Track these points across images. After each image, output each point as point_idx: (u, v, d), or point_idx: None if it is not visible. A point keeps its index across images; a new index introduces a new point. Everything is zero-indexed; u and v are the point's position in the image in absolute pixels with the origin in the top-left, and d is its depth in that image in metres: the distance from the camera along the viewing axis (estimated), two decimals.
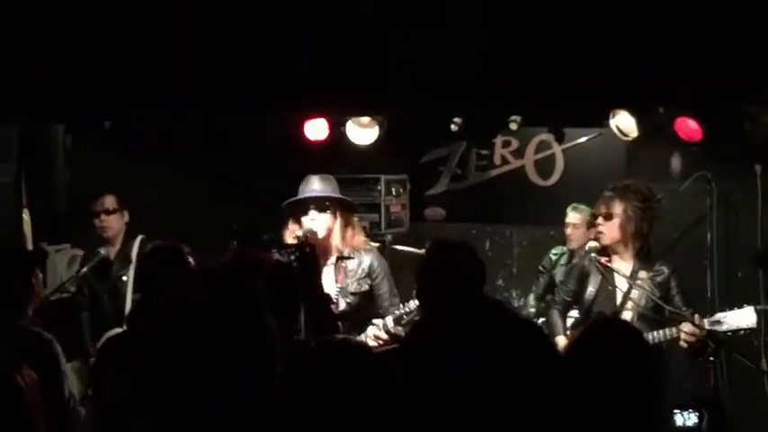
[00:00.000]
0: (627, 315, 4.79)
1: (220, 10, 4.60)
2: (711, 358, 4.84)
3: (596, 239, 4.99)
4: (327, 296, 3.77)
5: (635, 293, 4.84)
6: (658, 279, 4.86)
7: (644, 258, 4.90)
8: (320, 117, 6.18)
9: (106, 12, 4.60)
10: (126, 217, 5.79)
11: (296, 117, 6.12)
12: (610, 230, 4.88)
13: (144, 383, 3.04)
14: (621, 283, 4.90)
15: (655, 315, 4.81)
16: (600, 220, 4.92)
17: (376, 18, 4.21)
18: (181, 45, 4.72)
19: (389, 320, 4.45)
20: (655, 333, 4.64)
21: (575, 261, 5.40)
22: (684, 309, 4.81)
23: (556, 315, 5.18)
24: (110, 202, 5.74)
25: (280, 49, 4.63)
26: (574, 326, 5.14)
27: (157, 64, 4.77)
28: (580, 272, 5.09)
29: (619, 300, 4.89)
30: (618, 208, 4.87)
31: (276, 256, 3.50)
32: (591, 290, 4.96)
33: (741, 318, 4.64)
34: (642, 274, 4.85)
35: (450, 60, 3.84)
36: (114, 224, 5.73)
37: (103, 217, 5.70)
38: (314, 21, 4.30)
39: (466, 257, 3.46)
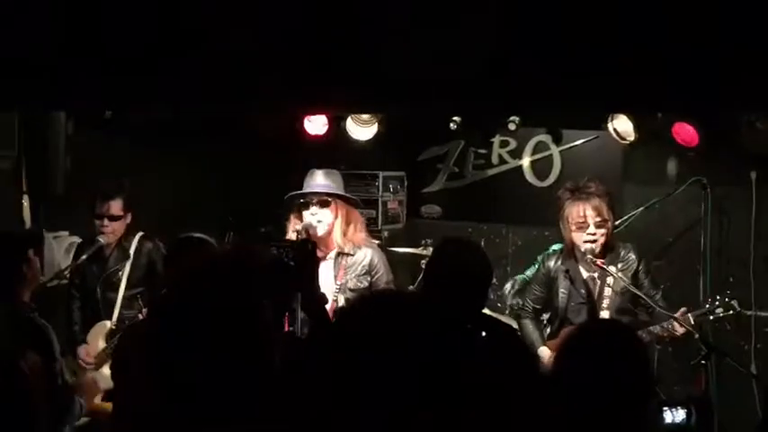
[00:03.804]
0: (605, 314, 4.81)
1: (225, 4, 4.62)
2: (703, 361, 4.88)
3: (586, 246, 4.82)
4: (323, 296, 3.70)
5: (608, 291, 4.83)
6: (629, 269, 4.85)
7: (611, 253, 4.87)
8: (320, 113, 6.19)
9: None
10: (129, 218, 5.59)
11: (296, 113, 6.14)
12: (603, 237, 4.82)
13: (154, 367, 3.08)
14: (593, 284, 4.88)
15: (631, 306, 4.83)
16: (591, 228, 4.80)
17: (381, 17, 4.23)
18: (185, 37, 4.74)
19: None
20: (650, 328, 4.69)
21: (541, 266, 5.14)
22: (654, 292, 4.82)
23: (530, 325, 5.02)
24: (116, 207, 5.52)
25: (282, 44, 4.64)
26: (550, 335, 5.02)
27: (160, 56, 4.79)
28: (546, 277, 5.01)
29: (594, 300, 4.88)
30: (607, 213, 4.82)
31: (273, 251, 3.43)
32: (562, 295, 4.91)
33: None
34: (612, 269, 4.82)
35: (452, 61, 3.87)
36: (117, 228, 5.54)
37: (106, 222, 5.49)
38: (317, 19, 4.33)
39: (476, 254, 3.54)
